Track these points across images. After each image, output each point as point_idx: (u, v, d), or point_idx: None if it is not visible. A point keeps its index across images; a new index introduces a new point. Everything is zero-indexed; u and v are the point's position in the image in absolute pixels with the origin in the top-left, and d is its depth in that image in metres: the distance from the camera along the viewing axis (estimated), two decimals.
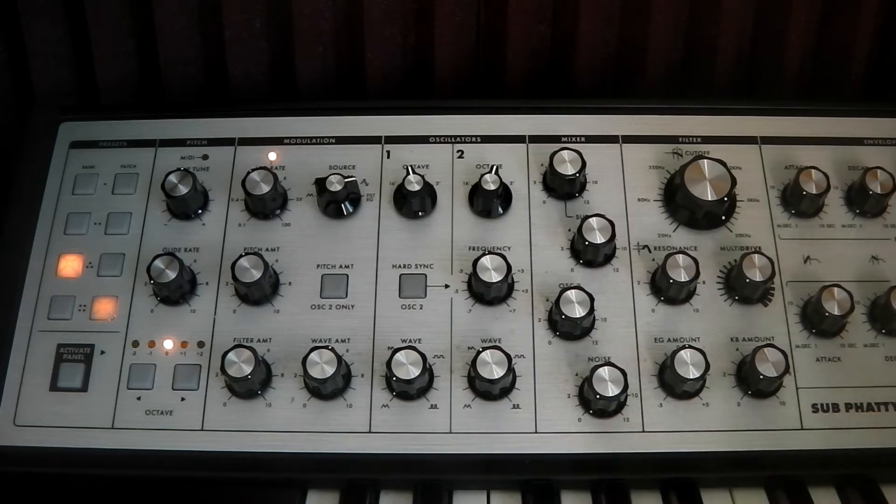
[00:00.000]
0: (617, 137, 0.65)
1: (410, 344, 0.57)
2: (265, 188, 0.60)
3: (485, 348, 0.56)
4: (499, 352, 0.55)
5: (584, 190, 0.63)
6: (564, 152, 0.61)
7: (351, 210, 0.62)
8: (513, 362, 0.56)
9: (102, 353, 0.59)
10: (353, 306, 0.60)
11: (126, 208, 0.63)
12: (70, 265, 0.62)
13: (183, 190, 0.61)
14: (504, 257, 0.58)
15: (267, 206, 0.62)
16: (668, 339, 0.59)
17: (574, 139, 0.65)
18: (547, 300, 0.60)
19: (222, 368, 0.55)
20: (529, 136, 0.65)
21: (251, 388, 0.57)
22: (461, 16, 0.70)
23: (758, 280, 0.57)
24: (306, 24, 0.69)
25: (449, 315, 0.59)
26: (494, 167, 0.62)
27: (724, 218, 0.62)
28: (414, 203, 0.62)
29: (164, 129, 0.66)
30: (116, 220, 0.63)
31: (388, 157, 0.64)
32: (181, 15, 0.69)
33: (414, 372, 0.55)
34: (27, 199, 0.64)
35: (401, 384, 0.56)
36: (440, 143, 0.65)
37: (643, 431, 0.56)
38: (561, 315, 0.57)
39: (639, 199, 0.63)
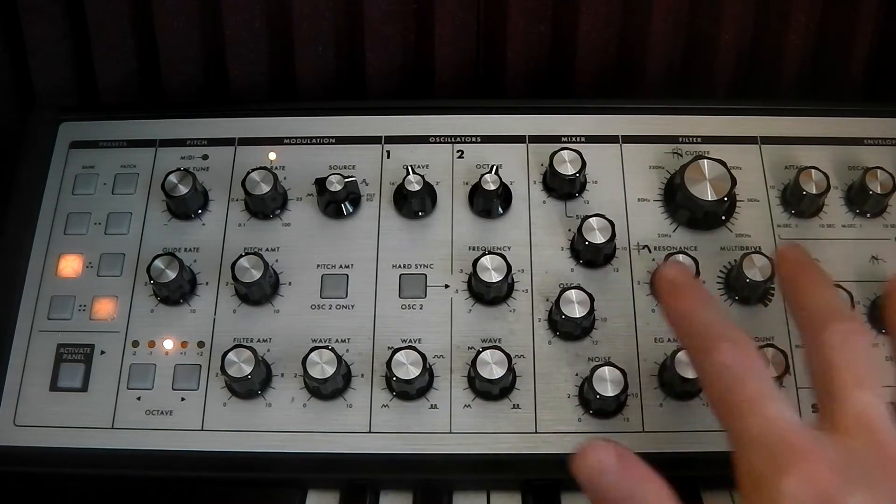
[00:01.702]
0: (617, 137, 0.65)
1: (410, 344, 0.57)
2: (265, 188, 0.60)
3: (485, 348, 0.56)
4: (499, 352, 0.55)
5: (584, 190, 0.63)
6: (564, 152, 0.61)
7: (351, 210, 0.62)
8: (513, 362, 0.56)
9: (102, 353, 0.59)
10: (353, 306, 0.60)
11: (126, 208, 0.63)
12: (70, 265, 0.62)
13: (183, 190, 0.61)
14: (504, 257, 0.58)
15: (267, 206, 0.62)
16: (668, 339, 0.59)
17: (574, 139, 0.65)
18: (547, 300, 0.60)
19: (222, 368, 0.55)
20: (529, 136, 0.65)
21: (251, 388, 0.57)
22: (461, 16, 0.70)
23: (758, 280, 0.57)
24: (306, 25, 0.69)
25: (449, 315, 0.59)
26: (494, 167, 0.62)
27: (724, 218, 0.62)
28: (414, 203, 0.62)
29: (164, 129, 0.66)
30: (116, 220, 0.63)
31: (388, 157, 0.64)
32: (181, 15, 0.69)
33: (414, 372, 0.55)
34: (27, 199, 0.64)
35: (401, 384, 0.56)
36: (440, 143, 0.65)
37: (643, 431, 0.56)
38: (561, 315, 0.57)
39: (639, 199, 0.63)
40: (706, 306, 0.48)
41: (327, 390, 0.57)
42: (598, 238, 0.59)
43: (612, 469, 0.42)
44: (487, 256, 0.58)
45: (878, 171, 0.61)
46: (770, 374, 0.45)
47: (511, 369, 0.56)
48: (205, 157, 0.65)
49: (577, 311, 0.57)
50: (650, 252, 0.61)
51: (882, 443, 0.41)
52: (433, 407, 0.57)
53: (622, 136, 0.65)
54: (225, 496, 0.57)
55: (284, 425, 0.57)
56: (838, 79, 0.73)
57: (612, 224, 0.59)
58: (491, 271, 0.58)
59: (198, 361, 0.59)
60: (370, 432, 0.57)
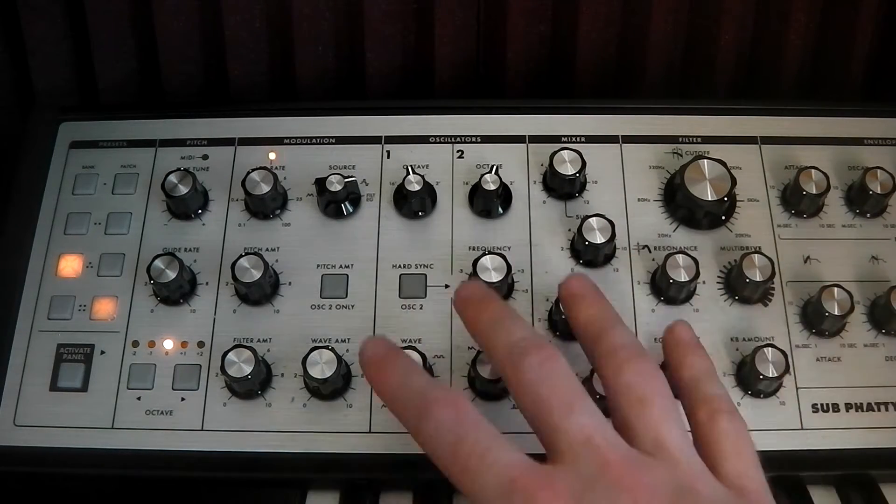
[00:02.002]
0: (617, 137, 0.65)
1: (410, 344, 0.57)
2: (265, 188, 0.60)
3: None
4: None
5: (584, 190, 0.63)
6: (564, 152, 0.61)
7: (351, 210, 0.62)
8: None
9: (102, 353, 0.59)
10: (353, 306, 0.60)
11: (126, 208, 0.63)
12: (70, 265, 0.62)
13: (183, 190, 0.61)
14: (504, 257, 0.58)
15: (267, 206, 0.62)
16: None
17: (574, 139, 0.65)
18: (547, 300, 0.60)
19: (222, 368, 0.55)
20: (529, 136, 0.65)
21: (251, 388, 0.57)
22: (461, 16, 0.70)
23: (758, 280, 0.57)
24: (306, 25, 0.69)
25: (449, 315, 0.59)
26: (494, 167, 0.62)
27: (724, 218, 0.62)
28: (414, 203, 0.62)
29: (164, 129, 0.66)
30: (116, 220, 0.63)
31: (388, 157, 0.64)
32: (181, 15, 0.69)
33: None
34: (27, 199, 0.64)
35: None
36: (440, 143, 0.65)
37: None
38: (561, 315, 0.57)
39: (639, 199, 0.63)
40: (412, 373, 0.47)
41: (327, 390, 0.57)
42: (598, 238, 0.59)
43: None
44: (487, 256, 0.58)
45: (878, 171, 0.61)
46: (487, 423, 0.44)
47: None
48: (205, 157, 0.65)
49: None
50: (650, 252, 0.61)
51: (608, 460, 0.42)
52: None
53: (622, 136, 0.65)
54: (225, 496, 0.57)
55: (284, 425, 0.57)
56: (838, 79, 0.73)
57: (612, 224, 0.59)
58: (491, 271, 0.58)
59: (198, 361, 0.59)
60: (370, 432, 0.57)
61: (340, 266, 0.61)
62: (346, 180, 0.61)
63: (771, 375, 0.55)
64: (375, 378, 0.48)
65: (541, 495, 0.40)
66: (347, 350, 0.58)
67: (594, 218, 0.59)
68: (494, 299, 0.50)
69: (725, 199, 0.60)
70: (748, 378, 0.57)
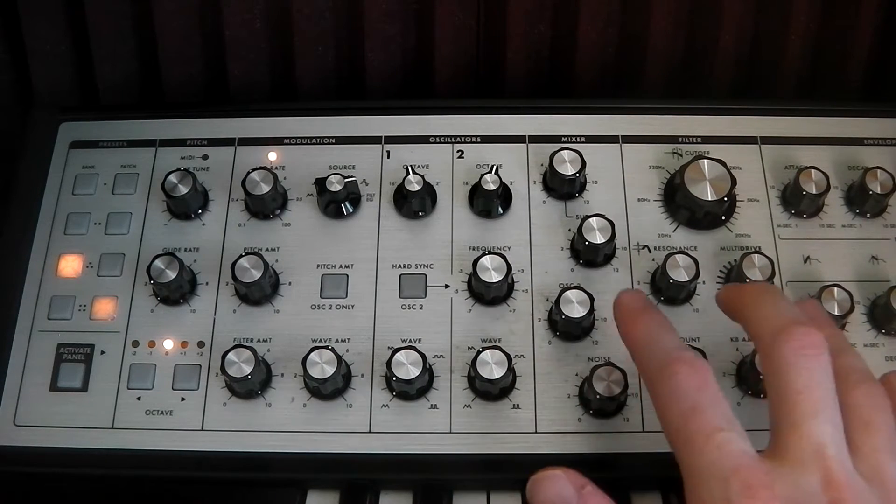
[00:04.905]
0: (617, 137, 0.65)
1: (410, 344, 0.57)
2: (265, 188, 0.61)
3: (485, 348, 0.56)
4: (499, 352, 0.55)
5: (584, 190, 0.63)
6: (564, 152, 0.61)
7: (351, 210, 0.62)
8: (513, 362, 0.56)
9: (102, 353, 0.59)
10: (353, 306, 0.60)
11: (126, 208, 0.63)
12: (70, 265, 0.62)
13: (183, 190, 0.61)
14: (504, 257, 0.58)
15: (267, 206, 0.62)
16: None
17: (574, 139, 0.65)
18: (547, 300, 0.60)
19: (222, 368, 0.55)
20: (529, 136, 0.65)
21: (251, 388, 0.57)
22: (461, 16, 0.70)
23: (758, 280, 0.57)
24: (306, 24, 0.69)
25: (449, 315, 0.59)
26: (494, 167, 0.62)
27: (724, 218, 0.62)
28: (414, 203, 0.62)
29: (164, 129, 0.66)
30: (116, 220, 0.63)
31: (388, 157, 0.64)
32: (181, 15, 0.69)
33: (414, 372, 0.55)
34: (27, 199, 0.64)
35: (401, 384, 0.56)
36: (440, 143, 0.65)
37: (643, 431, 0.56)
38: (561, 315, 0.57)
39: (639, 199, 0.63)
40: (665, 329, 0.47)
41: (327, 390, 0.57)
42: (598, 238, 0.59)
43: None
44: (487, 256, 0.58)
45: (878, 171, 0.61)
46: (726, 402, 0.43)
47: (511, 369, 0.56)
48: (205, 157, 0.65)
49: (577, 311, 0.57)
50: (650, 252, 0.61)
51: (833, 478, 0.40)
52: (433, 407, 0.57)
53: (622, 136, 0.65)
54: (225, 496, 0.57)
55: (284, 425, 0.57)
56: (838, 79, 0.73)
57: (612, 224, 0.59)
58: (491, 271, 0.58)
59: (198, 361, 0.59)
60: (370, 432, 0.57)
61: (340, 266, 0.61)
62: (346, 180, 0.61)
63: None
64: (627, 325, 0.49)
65: (760, 494, 0.39)
66: (347, 350, 0.58)
67: (594, 218, 0.59)
68: (779, 293, 0.49)
69: (725, 199, 0.60)
70: (748, 378, 0.57)
